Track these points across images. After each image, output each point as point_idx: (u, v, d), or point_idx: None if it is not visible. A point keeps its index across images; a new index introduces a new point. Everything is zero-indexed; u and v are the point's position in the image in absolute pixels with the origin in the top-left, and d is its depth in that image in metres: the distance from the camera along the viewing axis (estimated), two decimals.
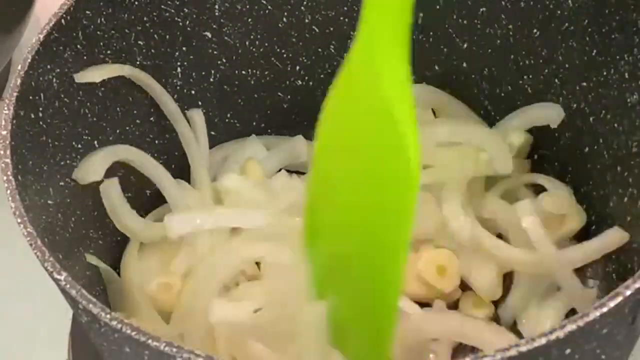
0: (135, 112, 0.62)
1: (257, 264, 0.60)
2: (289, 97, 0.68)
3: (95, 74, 0.58)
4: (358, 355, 0.52)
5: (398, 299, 0.49)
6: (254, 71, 0.66)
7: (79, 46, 0.57)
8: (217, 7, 0.63)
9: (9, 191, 0.48)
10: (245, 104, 0.67)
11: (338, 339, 0.51)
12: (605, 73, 0.58)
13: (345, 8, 0.64)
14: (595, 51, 0.58)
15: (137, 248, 0.62)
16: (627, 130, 0.57)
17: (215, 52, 0.65)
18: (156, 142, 0.64)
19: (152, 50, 0.62)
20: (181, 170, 0.65)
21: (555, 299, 0.59)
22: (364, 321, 0.50)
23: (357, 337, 0.51)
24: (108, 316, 0.43)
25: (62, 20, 0.56)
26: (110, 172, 0.59)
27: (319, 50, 0.66)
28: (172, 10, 0.62)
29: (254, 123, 0.69)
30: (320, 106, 0.66)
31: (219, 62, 0.65)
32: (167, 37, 0.63)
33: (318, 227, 0.52)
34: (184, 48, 0.63)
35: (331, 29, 0.65)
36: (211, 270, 0.57)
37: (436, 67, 0.66)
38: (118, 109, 0.61)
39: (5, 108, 0.52)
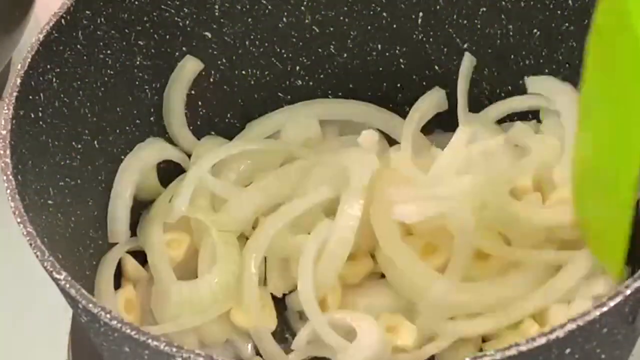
0: (135, 112, 0.62)
1: None
2: (289, 97, 0.68)
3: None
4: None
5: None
6: (254, 71, 0.66)
7: (79, 46, 0.57)
8: (217, 7, 0.63)
9: (9, 191, 0.48)
10: (245, 104, 0.67)
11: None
12: None
13: (345, 8, 0.64)
14: None
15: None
16: None
17: (215, 52, 0.65)
18: None
19: (152, 50, 0.62)
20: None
21: None
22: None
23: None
24: (108, 316, 0.43)
25: (62, 20, 0.56)
26: None
27: (319, 50, 0.66)
28: (172, 10, 0.62)
29: None
30: None
31: (219, 62, 0.65)
32: (167, 37, 0.63)
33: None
34: (184, 48, 0.63)
35: (331, 29, 0.65)
36: None
37: (436, 67, 0.66)
38: (118, 109, 0.61)
39: (5, 108, 0.52)
